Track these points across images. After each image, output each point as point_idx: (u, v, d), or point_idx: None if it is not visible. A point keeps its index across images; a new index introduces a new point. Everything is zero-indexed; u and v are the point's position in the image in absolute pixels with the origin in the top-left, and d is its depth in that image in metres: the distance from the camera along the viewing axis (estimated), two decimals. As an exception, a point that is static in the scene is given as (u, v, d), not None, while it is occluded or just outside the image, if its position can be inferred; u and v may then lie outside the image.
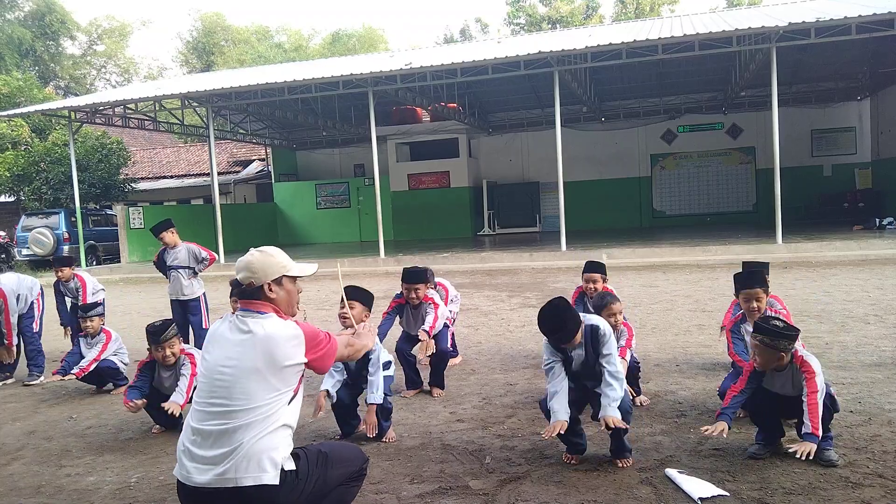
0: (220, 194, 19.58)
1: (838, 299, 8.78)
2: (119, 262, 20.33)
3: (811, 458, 3.58)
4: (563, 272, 13.47)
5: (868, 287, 9.76)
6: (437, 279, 6.52)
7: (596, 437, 4.18)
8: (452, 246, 19.13)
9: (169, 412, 4.69)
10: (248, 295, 2.83)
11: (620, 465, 3.88)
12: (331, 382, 4.54)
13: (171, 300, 7.32)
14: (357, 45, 45.63)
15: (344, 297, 4.11)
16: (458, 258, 16.29)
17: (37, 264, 19.79)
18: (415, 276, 5.67)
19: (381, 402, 4.44)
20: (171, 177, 29.89)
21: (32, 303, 7.03)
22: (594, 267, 5.77)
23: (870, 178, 21.12)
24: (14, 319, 6.89)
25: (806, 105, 21.39)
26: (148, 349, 5.03)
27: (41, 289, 7.20)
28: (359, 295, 4.55)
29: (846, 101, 21.48)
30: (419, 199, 23.53)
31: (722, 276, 11.51)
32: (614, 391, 3.76)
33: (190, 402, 4.40)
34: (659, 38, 14.39)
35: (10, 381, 6.90)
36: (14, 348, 6.92)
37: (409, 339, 5.75)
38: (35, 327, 6.98)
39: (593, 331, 3.90)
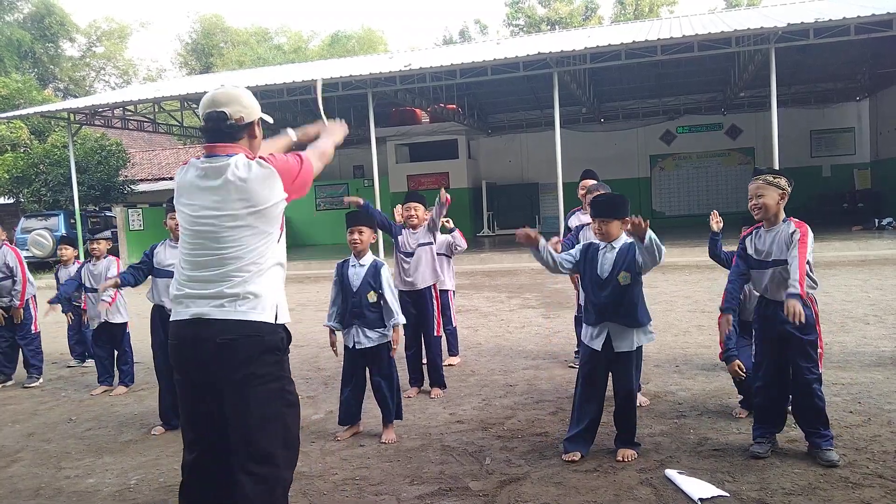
0: (219, 196, 19.55)
1: (837, 299, 8.78)
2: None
3: (800, 319, 3.51)
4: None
5: (867, 287, 9.76)
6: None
7: (599, 434, 4.16)
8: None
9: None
10: (224, 136, 2.64)
11: (622, 458, 3.90)
12: (335, 318, 4.66)
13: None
14: (356, 46, 45.62)
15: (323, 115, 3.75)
16: (457, 259, 16.23)
17: (36, 266, 19.78)
18: (413, 196, 5.82)
19: (403, 321, 4.61)
20: (171, 178, 29.80)
21: (30, 309, 6.97)
22: (590, 174, 5.92)
23: (869, 178, 21.13)
24: (31, 289, 6.89)
25: (805, 106, 21.41)
26: None
27: (35, 290, 7.12)
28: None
29: (845, 102, 21.50)
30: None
31: (721, 276, 11.48)
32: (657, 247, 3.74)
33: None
34: (658, 39, 14.39)
35: (9, 383, 6.89)
36: (21, 311, 6.85)
37: (414, 337, 5.75)
38: (34, 329, 6.95)
39: (632, 247, 3.91)
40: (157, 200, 27.77)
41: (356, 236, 4.59)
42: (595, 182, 5.76)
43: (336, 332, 4.68)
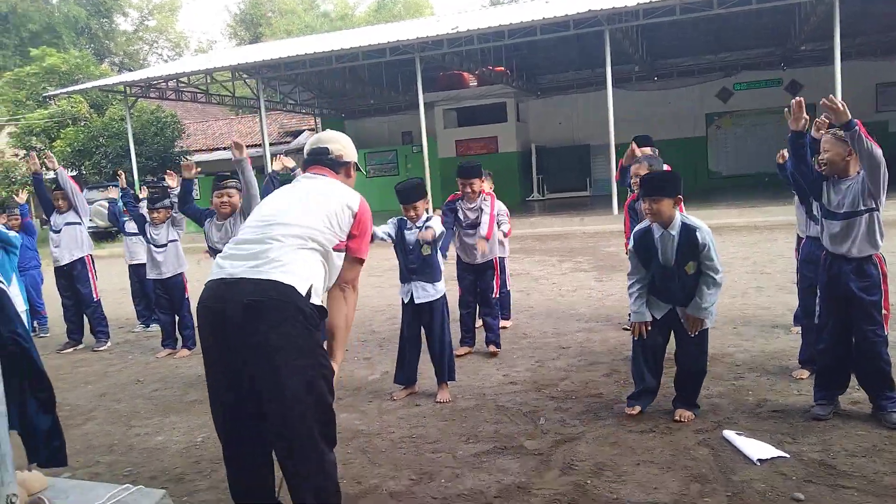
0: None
1: (905, 259, 8.45)
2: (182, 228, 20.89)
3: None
4: (615, 236, 13.28)
5: (937, 246, 9.36)
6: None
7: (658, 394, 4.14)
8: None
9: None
10: (324, 163, 2.96)
11: (679, 418, 3.88)
12: (389, 228, 4.81)
13: None
14: (402, 11, 45.25)
15: None
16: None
17: (99, 236, 20.48)
18: (469, 172, 5.61)
19: (441, 228, 4.71)
20: (225, 148, 30.36)
21: (87, 273, 7.19)
22: (645, 140, 5.76)
23: (940, 132, 20.11)
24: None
25: (870, 58, 20.33)
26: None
27: (91, 257, 7.32)
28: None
29: (915, 52, 20.40)
30: (468, 165, 23.40)
31: (780, 237, 11.20)
32: (709, 292, 3.76)
33: None
34: (714, -8, 13.86)
35: (80, 346, 7.22)
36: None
37: (467, 287, 5.78)
38: (95, 296, 7.22)
39: (690, 231, 3.80)
40: (213, 170, 28.30)
41: (411, 213, 4.74)
42: (647, 155, 5.48)
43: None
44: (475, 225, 5.63)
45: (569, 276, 9.34)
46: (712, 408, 4.07)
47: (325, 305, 2.70)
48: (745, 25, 19.17)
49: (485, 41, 16.51)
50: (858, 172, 3.72)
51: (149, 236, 6.87)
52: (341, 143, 3.05)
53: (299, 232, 2.62)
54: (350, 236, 2.78)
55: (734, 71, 21.78)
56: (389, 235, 4.78)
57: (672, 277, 3.88)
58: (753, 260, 9.41)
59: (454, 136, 23.77)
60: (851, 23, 17.47)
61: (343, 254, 2.78)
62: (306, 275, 2.58)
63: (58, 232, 7.08)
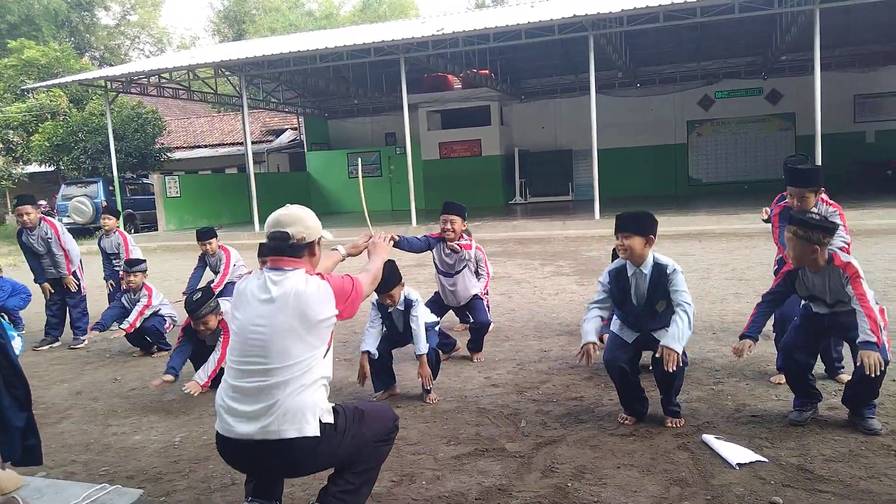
0: (253, 163, 19.74)
1: (880, 268, 8.59)
2: (156, 230, 20.70)
3: (880, 370, 3.42)
4: (596, 241, 13.36)
5: (912, 256, 9.52)
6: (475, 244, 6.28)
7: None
8: (484, 215, 19.07)
9: (187, 391, 4.69)
10: (287, 252, 2.78)
11: (671, 424, 3.90)
12: (371, 342, 4.66)
13: None
14: (387, 11, 45.24)
15: (364, 200, 4.14)
16: (490, 227, 16.25)
17: (77, 232, 20.24)
18: (452, 208, 5.68)
19: (427, 352, 4.55)
20: (206, 146, 30.17)
21: (74, 272, 7.13)
22: (451, 208, 5.73)
23: (915, 144, 20.47)
24: (73, 255, 7.06)
25: (849, 69, 20.69)
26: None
27: (80, 255, 7.29)
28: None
29: (892, 65, 20.73)
30: (450, 168, 23.43)
31: (759, 244, 11.33)
32: (682, 325, 3.73)
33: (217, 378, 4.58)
34: (698, 1, 13.98)
35: (56, 344, 7.11)
36: (73, 277, 7.02)
37: (439, 310, 5.80)
38: (82, 292, 7.15)
39: (661, 269, 3.87)
40: (193, 168, 28.16)
41: (388, 301, 4.68)
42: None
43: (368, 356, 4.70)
44: (452, 272, 5.75)
45: (550, 280, 9.38)
46: (692, 412, 4.10)
47: (331, 421, 2.73)
48: (727, 34, 19.43)
49: (470, 44, 16.55)
50: (828, 262, 3.71)
51: (126, 305, 6.61)
52: (304, 224, 2.84)
53: (294, 372, 2.63)
54: (342, 311, 2.80)
55: (715, 79, 22.04)
56: (372, 322, 4.77)
57: (643, 315, 3.96)
58: (732, 266, 9.51)
59: (438, 139, 23.80)
60: (831, 34, 17.76)
61: (331, 353, 2.81)
62: (314, 410, 2.65)
63: (44, 257, 6.99)
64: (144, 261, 6.86)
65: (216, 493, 3.43)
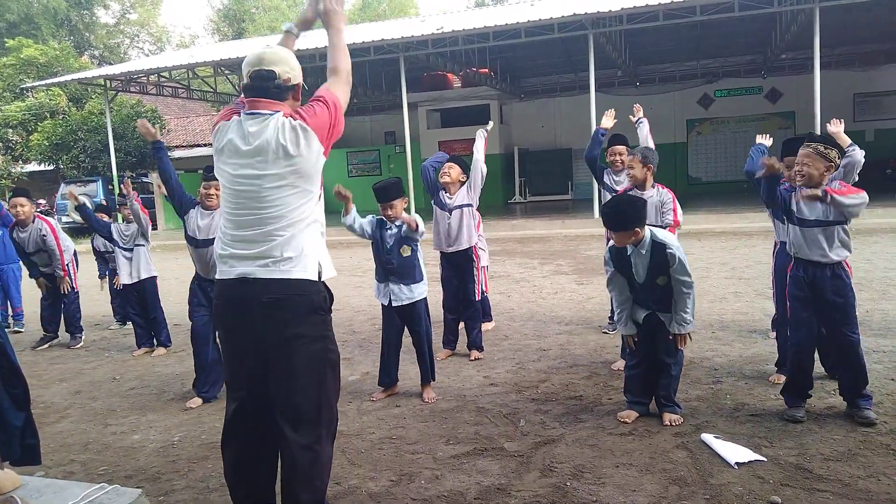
0: (253, 162, 19.70)
1: (879, 267, 8.59)
2: (155, 229, 20.68)
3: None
4: (596, 239, 13.35)
5: (911, 255, 9.53)
6: None
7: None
8: (483, 213, 19.04)
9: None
10: (271, 94, 2.62)
11: (668, 422, 3.90)
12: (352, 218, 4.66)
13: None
14: (387, 10, 45.19)
15: None
16: (489, 226, 16.20)
17: (76, 231, 20.23)
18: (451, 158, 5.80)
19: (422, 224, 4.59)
20: (205, 145, 30.14)
21: (67, 265, 7.11)
22: (618, 139, 5.89)
23: (914, 143, 20.45)
24: (67, 249, 7.04)
25: (849, 68, 20.65)
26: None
27: (75, 252, 7.27)
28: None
29: (892, 64, 20.70)
30: (450, 167, 23.40)
31: (759, 243, 11.32)
32: (684, 309, 3.87)
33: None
34: (697, -1, 13.99)
35: (56, 340, 7.12)
36: (68, 280, 7.00)
37: (450, 292, 5.78)
38: (75, 287, 7.13)
39: (660, 248, 3.88)
40: (193, 167, 28.09)
41: (389, 212, 4.64)
42: (629, 148, 5.65)
43: None
44: (452, 207, 5.67)
45: (550, 279, 9.37)
46: (691, 411, 4.10)
47: (334, 273, 2.76)
48: (726, 33, 19.40)
49: (469, 42, 16.53)
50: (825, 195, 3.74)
51: (117, 235, 6.64)
52: (289, 65, 2.67)
53: (291, 218, 2.61)
54: (329, 137, 2.67)
55: (715, 78, 22.00)
56: (366, 232, 4.68)
57: (645, 289, 3.99)
58: (732, 265, 9.50)
59: (437, 137, 23.75)
60: (831, 33, 17.75)
61: (322, 200, 2.77)
62: (313, 257, 2.66)
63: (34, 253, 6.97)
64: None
65: (214, 492, 3.43)
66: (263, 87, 2.62)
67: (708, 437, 3.65)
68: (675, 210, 5.06)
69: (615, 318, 4.27)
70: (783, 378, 4.44)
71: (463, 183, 5.72)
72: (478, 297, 5.79)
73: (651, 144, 5.60)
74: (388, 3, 46.96)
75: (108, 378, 5.76)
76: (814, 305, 3.86)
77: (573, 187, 23.22)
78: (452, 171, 5.70)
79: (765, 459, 3.39)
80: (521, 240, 14.39)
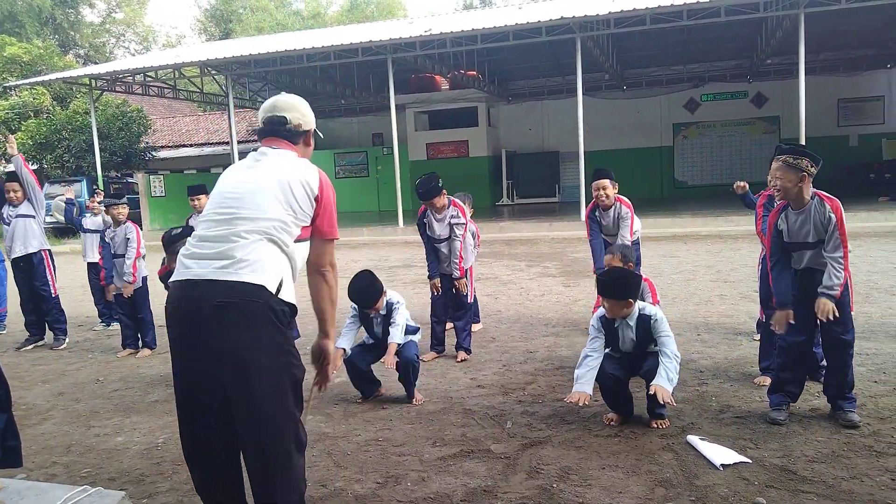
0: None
1: (863, 270, 8.67)
2: (141, 229, 20.53)
3: (832, 316, 3.65)
4: (582, 242, 13.36)
5: (893, 258, 9.63)
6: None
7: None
8: (472, 216, 19.06)
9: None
10: (283, 135, 2.73)
11: (656, 425, 3.92)
12: (347, 341, 4.61)
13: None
14: (375, 12, 45.18)
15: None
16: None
17: (60, 231, 20.03)
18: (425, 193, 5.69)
19: (401, 341, 4.52)
20: (191, 145, 29.97)
21: (44, 269, 7.03)
22: (602, 173, 5.68)
23: (897, 148, 20.70)
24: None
25: (833, 73, 20.89)
26: (163, 260, 5.23)
27: (50, 252, 7.17)
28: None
29: (875, 70, 20.98)
30: (438, 169, 23.11)
31: (744, 246, 11.41)
32: (672, 368, 3.82)
33: None
34: (684, 4, 14.07)
35: (41, 342, 7.05)
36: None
37: (442, 305, 5.80)
38: (53, 292, 7.05)
39: (645, 321, 3.96)
40: (178, 167, 27.97)
41: (371, 312, 4.67)
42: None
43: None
44: (445, 239, 5.73)
45: (536, 281, 9.39)
46: (676, 413, 4.11)
47: (294, 302, 2.61)
48: (713, 38, 19.55)
49: (457, 45, 16.55)
50: (813, 198, 3.79)
51: (108, 239, 6.63)
52: (300, 111, 2.79)
53: (264, 226, 2.51)
54: (315, 218, 2.65)
55: (701, 82, 22.18)
56: (350, 321, 4.72)
57: (634, 357, 4.05)
58: (717, 268, 9.56)
59: (425, 139, 23.78)
60: (816, 38, 17.92)
61: (306, 243, 2.68)
62: (275, 271, 2.50)
63: (8, 224, 6.91)
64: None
65: (198, 495, 3.39)
66: (276, 130, 2.75)
67: (693, 439, 3.67)
68: (631, 225, 5.48)
69: (577, 375, 4.01)
70: (768, 380, 4.47)
71: (449, 203, 5.76)
72: (470, 300, 5.83)
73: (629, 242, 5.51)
74: (376, 4, 46.94)
75: (91, 379, 5.70)
76: (806, 305, 3.84)
77: (560, 190, 23.31)
78: (437, 203, 5.71)
79: (750, 461, 3.40)
80: (508, 242, 14.41)
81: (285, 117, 2.75)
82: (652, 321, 3.95)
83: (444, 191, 5.70)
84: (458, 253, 5.66)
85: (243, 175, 2.66)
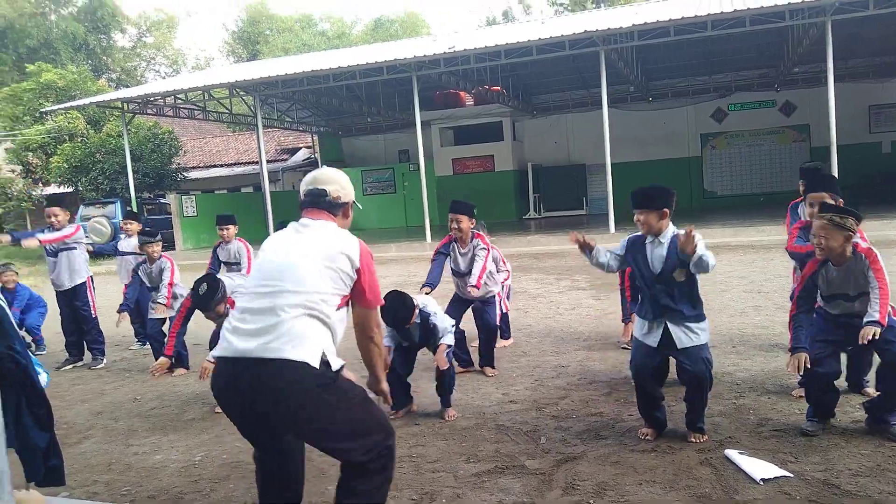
0: (269, 182, 19.89)
1: (901, 279, 8.49)
2: (174, 249, 20.86)
3: (874, 338, 3.56)
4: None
5: (932, 266, 9.42)
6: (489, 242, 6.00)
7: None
8: (498, 230, 19.06)
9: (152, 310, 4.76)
10: (323, 206, 2.82)
11: (693, 440, 3.85)
12: (388, 341, 4.68)
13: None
14: (399, 30, 45.68)
15: None
16: (504, 242, 16.22)
17: (95, 253, 20.40)
18: (458, 207, 5.62)
19: (451, 342, 4.64)
20: (221, 165, 30.47)
21: (86, 291, 7.19)
22: (457, 207, 5.64)
23: (932, 154, 20.29)
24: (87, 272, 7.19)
25: (863, 80, 20.57)
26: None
27: (91, 276, 7.33)
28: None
29: (907, 75, 20.62)
30: (464, 184, 23.43)
31: (777, 256, 11.24)
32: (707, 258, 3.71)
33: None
34: (708, 15, 14.00)
35: (79, 363, 7.18)
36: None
37: (457, 310, 5.78)
38: (94, 312, 7.21)
39: (677, 239, 3.82)
40: (209, 187, 28.42)
41: (455, 226, 4.99)
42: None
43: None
44: (468, 273, 5.66)
45: (566, 295, 9.35)
46: (714, 427, 4.06)
47: (340, 365, 2.65)
48: (738, 47, 19.42)
49: (481, 61, 16.64)
50: (853, 253, 3.80)
51: (144, 276, 6.69)
52: (340, 184, 2.92)
53: (306, 300, 2.57)
54: (356, 287, 2.73)
55: (728, 92, 21.99)
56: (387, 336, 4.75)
57: (659, 282, 3.86)
58: (751, 279, 9.44)
59: (451, 155, 23.88)
60: (844, 45, 17.73)
61: (345, 310, 2.76)
62: (317, 344, 2.57)
63: (54, 256, 7.04)
64: (157, 231, 6.98)
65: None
66: (317, 202, 2.85)
67: (732, 453, 3.61)
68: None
69: (594, 256, 4.06)
70: (800, 394, 4.41)
71: (473, 235, 5.70)
72: (497, 321, 5.84)
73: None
74: (400, 23, 47.46)
75: (129, 398, 5.80)
76: (836, 344, 3.87)
77: (588, 202, 23.22)
78: (463, 223, 5.61)
79: (791, 475, 3.34)
80: (536, 255, 14.38)
81: (325, 190, 2.86)
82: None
83: (473, 220, 5.66)
84: (479, 270, 5.57)
85: (286, 247, 2.73)
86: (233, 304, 4.83)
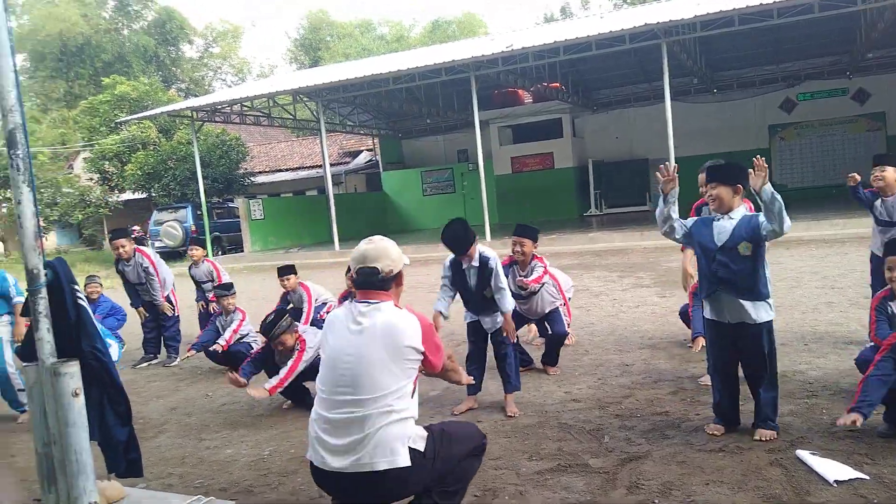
0: (332, 185, 20.26)
1: None
2: (242, 251, 21.48)
3: None
4: (677, 251, 12.98)
5: None
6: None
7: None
8: (559, 227, 18.92)
9: (251, 394, 4.80)
10: (376, 286, 2.86)
11: (759, 438, 3.76)
12: (443, 305, 4.74)
13: None
14: (456, 31, 45.75)
15: None
16: (565, 239, 16.11)
17: (168, 255, 21.22)
18: (524, 231, 5.57)
19: (509, 309, 4.69)
20: (287, 170, 31.19)
21: (170, 294, 7.52)
22: (522, 231, 5.55)
23: None
24: (167, 282, 7.47)
25: (945, 63, 19.53)
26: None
27: (173, 280, 7.69)
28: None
29: None
30: (523, 182, 23.38)
31: (851, 250, 10.80)
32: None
33: (287, 386, 4.82)
34: (774, 2, 13.52)
35: (155, 361, 7.50)
36: (168, 305, 7.40)
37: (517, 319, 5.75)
38: (176, 311, 7.54)
39: (752, 218, 3.80)
40: (275, 191, 29.15)
41: (464, 258, 4.73)
42: None
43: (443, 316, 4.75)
44: (525, 296, 5.70)
45: (630, 292, 9.21)
46: (784, 427, 3.94)
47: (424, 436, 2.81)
48: (807, 34, 18.71)
49: (539, 58, 16.54)
50: None
51: (219, 327, 6.80)
52: (390, 257, 2.90)
53: (385, 403, 2.68)
54: (424, 363, 2.85)
55: (797, 81, 21.20)
56: (443, 281, 4.82)
57: (721, 255, 3.77)
58: (823, 274, 9.09)
59: (510, 153, 23.81)
60: (923, 28, 16.84)
61: (417, 392, 2.86)
62: (404, 441, 2.70)
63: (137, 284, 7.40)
64: (232, 283, 7.14)
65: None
66: (369, 281, 2.87)
67: (804, 454, 3.50)
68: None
69: (669, 203, 3.94)
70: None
71: (533, 258, 5.60)
72: (567, 328, 5.91)
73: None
74: (457, 24, 47.55)
75: (201, 395, 6.02)
76: None
77: (651, 198, 22.76)
78: (526, 247, 5.51)
79: (867, 477, 3.22)
80: (598, 253, 14.20)
81: (377, 268, 2.86)
82: (757, 218, 3.72)
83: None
84: (537, 276, 5.55)
85: (352, 348, 2.77)
86: (303, 343, 5.00)
